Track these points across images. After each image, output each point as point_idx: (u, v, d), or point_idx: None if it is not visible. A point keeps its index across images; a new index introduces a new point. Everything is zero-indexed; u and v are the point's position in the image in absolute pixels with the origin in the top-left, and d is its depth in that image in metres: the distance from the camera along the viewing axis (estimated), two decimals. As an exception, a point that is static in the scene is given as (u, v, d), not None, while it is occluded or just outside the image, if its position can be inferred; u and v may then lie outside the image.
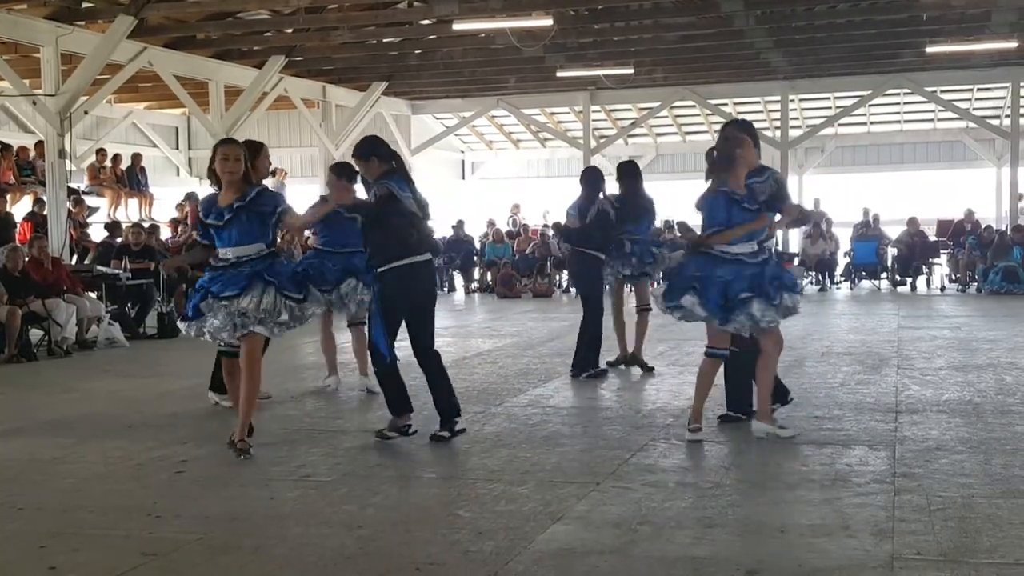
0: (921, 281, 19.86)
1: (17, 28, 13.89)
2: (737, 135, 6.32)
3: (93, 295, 12.95)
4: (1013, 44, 17.34)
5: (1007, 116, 22.43)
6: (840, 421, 6.82)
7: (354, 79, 21.26)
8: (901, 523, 4.52)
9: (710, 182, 6.23)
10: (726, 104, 24.09)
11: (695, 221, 6.84)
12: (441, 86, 22.67)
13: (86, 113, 17.13)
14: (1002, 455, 5.77)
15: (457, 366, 9.89)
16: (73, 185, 16.04)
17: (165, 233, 17.98)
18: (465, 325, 14.59)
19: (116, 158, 19.28)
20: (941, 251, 20.62)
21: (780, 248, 18.39)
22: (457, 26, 15.76)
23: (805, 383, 8.19)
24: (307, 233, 10.32)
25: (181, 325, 6.22)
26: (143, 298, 13.60)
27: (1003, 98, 23.31)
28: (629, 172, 9.48)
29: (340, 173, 7.43)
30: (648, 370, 9.07)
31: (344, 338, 8.81)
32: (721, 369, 6.59)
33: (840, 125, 24.92)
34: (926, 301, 17.23)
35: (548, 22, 15.54)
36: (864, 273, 20.52)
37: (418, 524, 4.66)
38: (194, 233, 6.04)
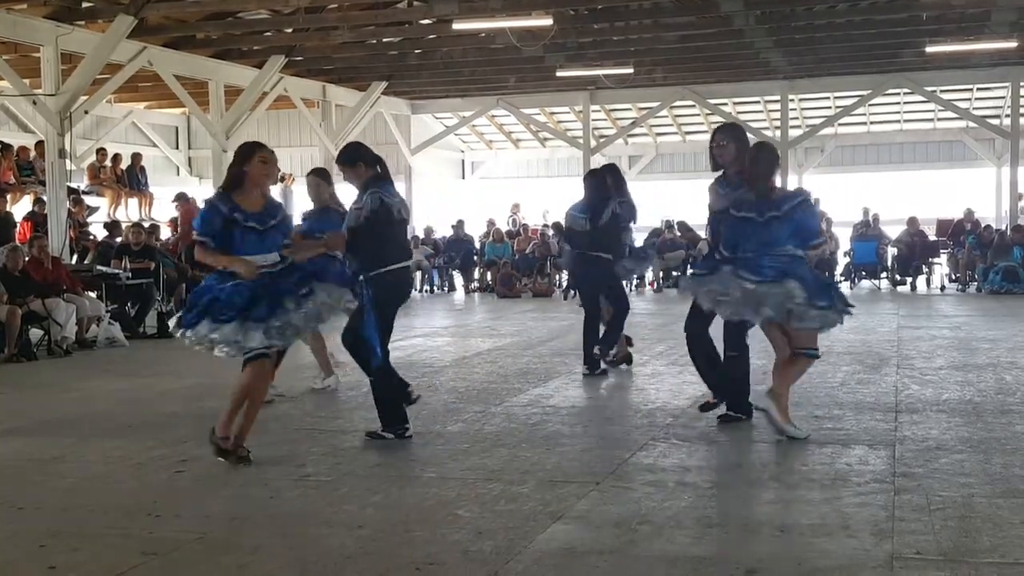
0: (921, 281, 19.86)
1: (17, 28, 13.88)
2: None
3: (93, 294, 12.95)
4: (1013, 44, 17.34)
5: (1007, 116, 22.43)
6: (840, 421, 6.82)
7: (354, 79, 21.25)
8: (901, 523, 4.52)
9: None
10: (726, 104, 24.09)
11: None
12: (441, 86, 22.67)
13: (86, 113, 17.14)
14: (1002, 454, 5.77)
15: (457, 366, 9.91)
16: (73, 185, 16.04)
17: (165, 233, 17.96)
18: (465, 324, 14.59)
19: (116, 158, 19.27)
20: (941, 251, 20.62)
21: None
22: (457, 26, 15.76)
23: (805, 382, 8.15)
24: None
25: (179, 331, 5.89)
26: (143, 298, 13.60)
27: (1003, 98, 23.31)
28: (613, 172, 9.47)
29: (322, 176, 7.92)
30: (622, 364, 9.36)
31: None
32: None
33: (840, 125, 24.91)
34: (926, 301, 17.24)
35: (548, 22, 15.54)
36: (864, 273, 20.52)
37: (418, 524, 4.66)
38: (195, 234, 5.93)
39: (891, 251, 20.22)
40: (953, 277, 20.12)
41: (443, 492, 5.18)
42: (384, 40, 18.60)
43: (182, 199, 18.29)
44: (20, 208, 16.49)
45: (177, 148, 25.39)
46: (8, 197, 15.80)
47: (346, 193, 7.07)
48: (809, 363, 6.38)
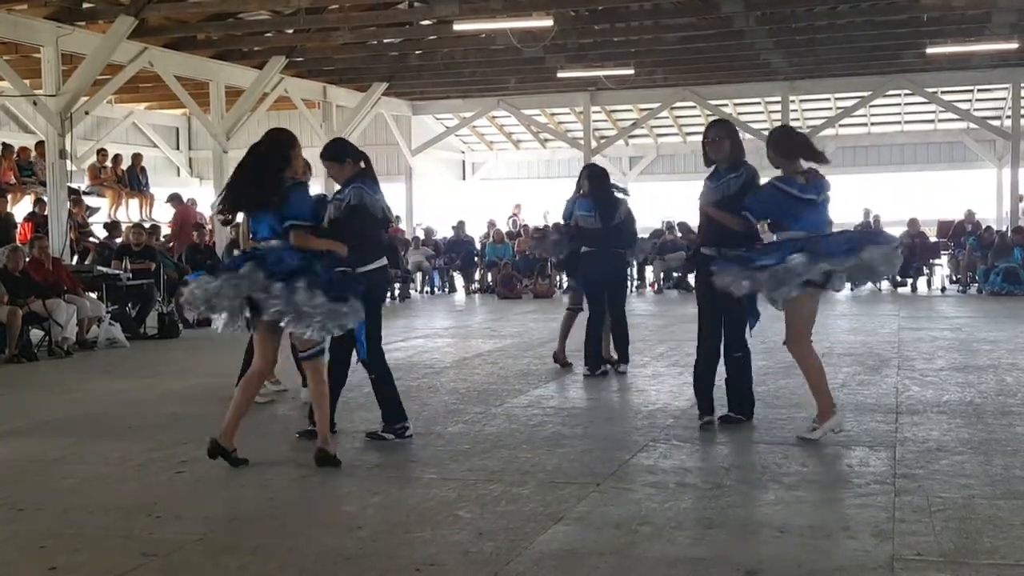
0: (922, 282, 19.85)
1: (18, 28, 13.89)
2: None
3: (93, 295, 12.95)
4: (1013, 45, 17.34)
5: (1007, 117, 22.44)
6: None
7: (355, 79, 21.26)
8: (901, 524, 4.51)
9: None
10: (726, 105, 24.09)
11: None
12: (442, 86, 22.69)
13: (87, 113, 17.14)
14: (1003, 456, 5.77)
15: (457, 367, 9.91)
16: (74, 185, 16.04)
17: (166, 233, 17.96)
18: (465, 326, 14.59)
19: (117, 158, 19.28)
20: (942, 252, 20.61)
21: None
22: (458, 27, 15.77)
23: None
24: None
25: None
26: (143, 298, 13.61)
27: (1003, 99, 23.31)
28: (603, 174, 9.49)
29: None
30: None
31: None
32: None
33: (841, 126, 24.90)
34: (926, 302, 17.23)
35: (548, 23, 15.55)
36: (864, 274, 20.46)
37: (418, 525, 4.66)
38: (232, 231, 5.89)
39: (891, 252, 20.15)
40: (954, 278, 20.11)
41: (443, 493, 5.18)
42: (385, 41, 18.62)
43: (176, 200, 18.28)
44: (21, 209, 16.50)
45: (178, 149, 25.41)
46: (9, 198, 15.81)
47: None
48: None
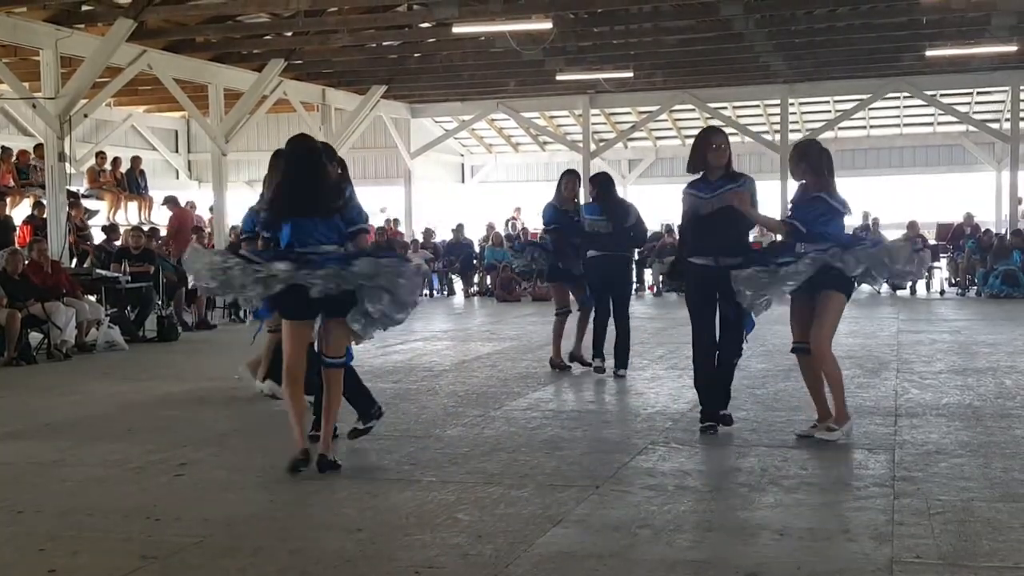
0: (921, 285, 19.85)
1: (17, 31, 13.89)
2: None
3: (92, 298, 12.94)
4: (1013, 48, 17.36)
5: (1007, 120, 22.45)
6: (840, 425, 6.81)
7: (354, 82, 21.27)
8: (900, 527, 4.52)
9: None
10: (725, 108, 24.12)
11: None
12: (441, 89, 22.69)
13: (86, 116, 17.14)
14: (1002, 459, 5.77)
15: (456, 370, 9.91)
16: (73, 188, 16.04)
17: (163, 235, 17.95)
18: (464, 328, 14.59)
19: (116, 161, 19.27)
20: (941, 255, 20.61)
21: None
22: (457, 29, 15.78)
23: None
24: None
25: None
26: (143, 301, 13.59)
27: (1003, 102, 23.32)
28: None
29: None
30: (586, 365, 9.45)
31: None
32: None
33: (840, 129, 24.91)
34: (925, 305, 17.23)
35: (548, 25, 15.54)
36: (864, 276, 20.47)
37: (417, 527, 4.66)
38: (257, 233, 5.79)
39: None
40: (953, 281, 20.11)
41: (443, 496, 5.18)
42: (384, 44, 18.63)
43: (172, 202, 18.27)
44: (20, 212, 16.49)
45: (177, 152, 25.41)
46: (8, 201, 15.80)
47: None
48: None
